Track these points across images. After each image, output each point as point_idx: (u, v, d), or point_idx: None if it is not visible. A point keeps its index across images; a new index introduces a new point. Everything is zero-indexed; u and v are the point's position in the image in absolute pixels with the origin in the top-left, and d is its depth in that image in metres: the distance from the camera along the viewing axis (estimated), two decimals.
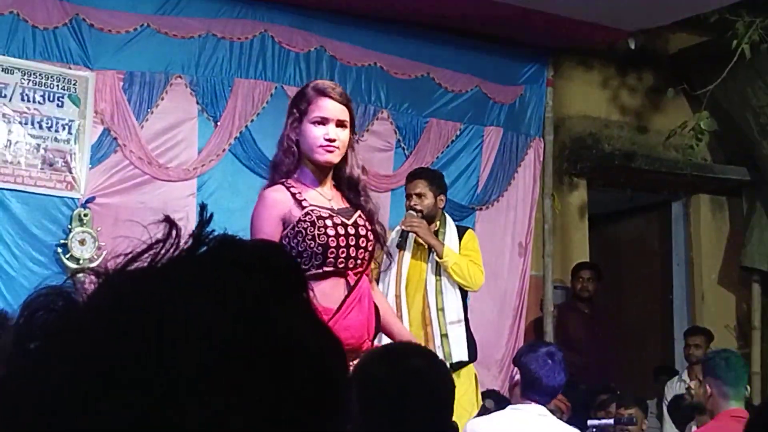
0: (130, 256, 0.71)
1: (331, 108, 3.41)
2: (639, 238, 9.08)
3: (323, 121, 3.39)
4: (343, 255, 3.33)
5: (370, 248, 3.43)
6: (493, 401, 6.10)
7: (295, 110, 3.43)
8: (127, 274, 0.70)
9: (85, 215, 5.83)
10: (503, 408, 4.47)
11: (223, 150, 6.33)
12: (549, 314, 7.30)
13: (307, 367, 0.68)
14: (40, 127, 5.87)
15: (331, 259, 3.32)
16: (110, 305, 0.68)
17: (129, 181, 6.04)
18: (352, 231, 3.38)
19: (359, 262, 3.40)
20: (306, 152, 3.41)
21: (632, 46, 7.47)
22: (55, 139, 5.90)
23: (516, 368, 4.06)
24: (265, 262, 0.72)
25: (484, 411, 5.64)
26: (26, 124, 5.84)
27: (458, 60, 7.12)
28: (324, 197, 3.43)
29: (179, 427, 0.63)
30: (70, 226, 5.81)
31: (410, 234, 5.40)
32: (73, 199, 5.90)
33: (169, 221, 0.72)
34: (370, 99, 6.84)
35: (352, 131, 3.48)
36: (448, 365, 3.67)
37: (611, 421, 5.79)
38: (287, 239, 3.33)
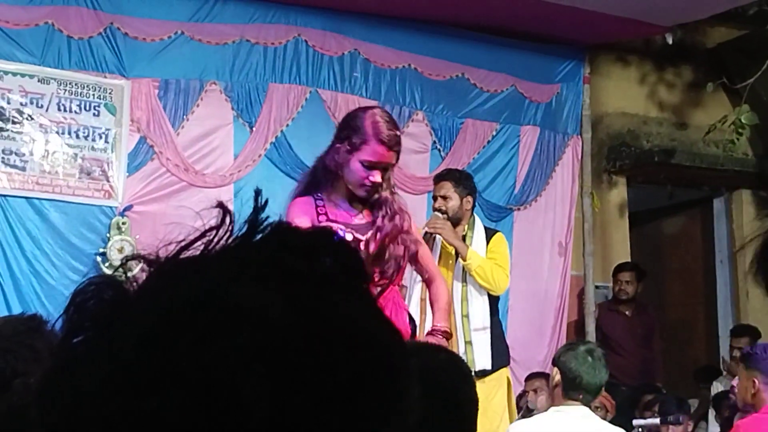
0: (182, 243, 0.69)
1: (383, 155, 3.49)
2: (681, 235, 8.97)
3: (372, 166, 3.48)
4: None
5: (388, 269, 3.48)
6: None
7: (347, 141, 3.48)
8: (180, 262, 0.68)
9: (123, 223, 5.85)
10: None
11: (259, 155, 6.32)
12: (590, 314, 7.21)
13: (370, 355, 0.66)
14: (77, 136, 5.91)
15: None
16: (163, 293, 0.66)
17: (166, 189, 6.05)
18: (362, 247, 3.42)
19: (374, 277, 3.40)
20: (347, 180, 3.52)
21: (669, 41, 7.38)
22: (92, 148, 5.93)
23: (554, 369, 3.98)
24: (325, 248, 0.69)
25: (527, 412, 5.59)
26: (63, 133, 5.87)
27: (493, 59, 7.06)
28: (349, 214, 3.55)
29: (239, 410, 0.61)
30: (108, 235, 5.83)
31: (437, 238, 5.21)
32: (111, 207, 5.92)
33: (222, 207, 0.70)
34: (405, 101, 6.79)
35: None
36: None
37: (657, 420, 5.70)
38: None
